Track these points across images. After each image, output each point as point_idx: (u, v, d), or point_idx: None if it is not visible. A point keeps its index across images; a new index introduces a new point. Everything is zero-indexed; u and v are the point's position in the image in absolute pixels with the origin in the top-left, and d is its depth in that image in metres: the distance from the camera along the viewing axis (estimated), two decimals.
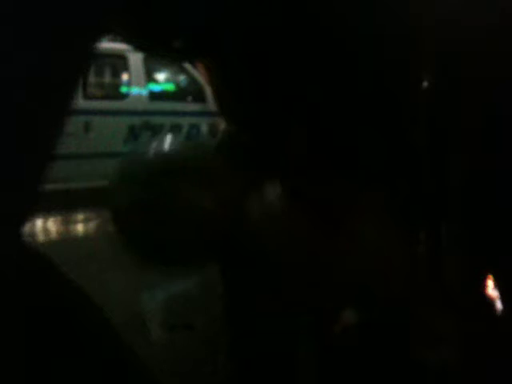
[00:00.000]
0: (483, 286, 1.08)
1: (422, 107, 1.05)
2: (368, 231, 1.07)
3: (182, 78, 6.64)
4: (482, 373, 1.04)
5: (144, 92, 6.07)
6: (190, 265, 1.42)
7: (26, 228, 0.64)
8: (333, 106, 1.03)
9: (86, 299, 0.71)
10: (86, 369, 0.66)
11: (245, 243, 1.13)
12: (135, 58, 5.95)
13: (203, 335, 2.23)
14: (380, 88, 1.02)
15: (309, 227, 1.09)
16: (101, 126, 5.52)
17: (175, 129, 5.88)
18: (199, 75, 6.48)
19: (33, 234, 4.17)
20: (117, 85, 6.43)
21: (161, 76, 6.81)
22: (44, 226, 4.65)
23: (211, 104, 6.14)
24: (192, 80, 6.41)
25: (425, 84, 1.05)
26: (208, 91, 6.34)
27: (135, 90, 6.03)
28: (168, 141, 1.40)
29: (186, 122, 6.03)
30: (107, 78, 6.62)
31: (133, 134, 5.70)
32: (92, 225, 4.81)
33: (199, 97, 6.27)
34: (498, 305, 1.07)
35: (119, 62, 6.11)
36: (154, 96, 6.16)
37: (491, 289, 1.08)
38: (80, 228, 4.80)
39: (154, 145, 1.37)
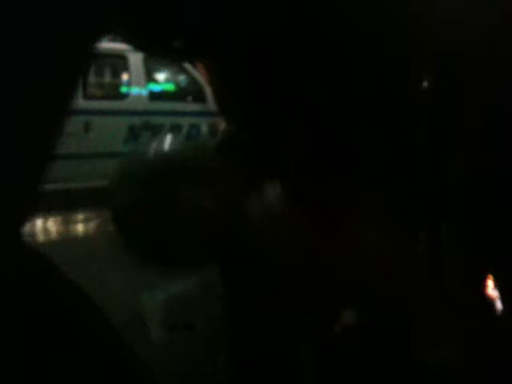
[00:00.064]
0: (483, 286, 1.08)
1: (422, 107, 1.05)
2: (368, 231, 1.07)
3: (181, 78, 6.64)
4: (481, 373, 1.04)
5: (144, 92, 6.07)
6: (190, 265, 1.42)
7: (26, 228, 0.64)
8: (333, 106, 1.03)
9: (85, 299, 0.71)
10: (86, 369, 0.66)
11: (245, 243, 1.13)
12: (135, 58, 5.95)
13: (203, 335, 2.23)
14: (380, 88, 1.02)
15: (309, 227, 1.09)
16: (101, 125, 5.53)
17: (175, 129, 5.88)
18: (199, 75, 6.48)
19: (33, 234, 4.17)
20: (117, 85, 6.43)
21: (161, 76, 6.81)
22: (44, 226, 4.65)
23: (211, 104, 6.14)
24: (192, 80, 6.41)
25: (425, 84, 1.05)
26: (208, 91, 6.34)
27: (135, 90, 6.03)
28: (168, 141, 1.40)
29: (186, 122, 6.03)
30: (107, 78, 6.62)
31: (133, 133, 5.70)
32: (92, 225, 4.81)
33: (199, 97, 6.27)
34: (498, 305, 1.07)
35: (119, 62, 6.11)
36: (154, 96, 6.16)
37: (491, 289, 1.08)
38: (80, 228, 4.80)
39: (154, 145, 1.37)
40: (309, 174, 1.08)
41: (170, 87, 6.78)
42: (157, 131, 5.68)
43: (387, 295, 1.08)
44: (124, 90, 6.18)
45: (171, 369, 1.93)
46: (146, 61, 6.03)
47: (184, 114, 6.03)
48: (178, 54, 1.31)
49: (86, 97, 5.57)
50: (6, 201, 0.60)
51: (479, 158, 1.05)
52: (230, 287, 1.24)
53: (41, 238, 4.25)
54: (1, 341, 0.61)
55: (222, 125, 1.35)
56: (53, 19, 0.61)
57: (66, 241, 4.25)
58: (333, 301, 1.15)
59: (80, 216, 4.99)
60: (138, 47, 1.21)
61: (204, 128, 6.02)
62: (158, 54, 1.68)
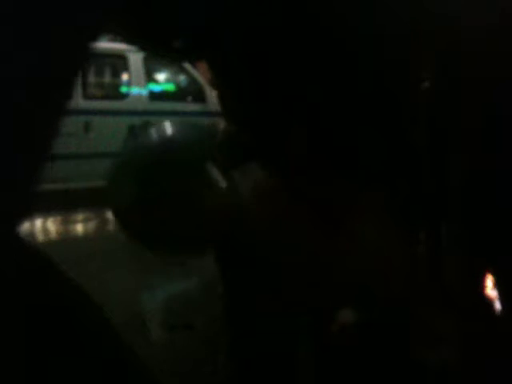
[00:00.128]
0: (483, 286, 1.08)
1: (422, 107, 1.05)
2: (368, 231, 1.07)
3: (182, 78, 6.64)
4: (481, 373, 1.04)
5: (144, 92, 6.07)
6: (191, 253, 1.41)
7: (26, 228, 0.64)
8: (333, 106, 1.03)
9: (85, 298, 0.71)
10: (86, 368, 0.66)
11: (245, 243, 1.13)
12: (135, 58, 5.96)
13: (203, 335, 2.23)
14: (380, 88, 1.02)
15: (309, 227, 1.09)
16: (101, 125, 5.53)
17: None
18: (199, 75, 6.48)
19: (32, 234, 4.17)
20: (117, 85, 6.44)
21: (161, 76, 6.81)
22: (44, 226, 4.65)
23: (211, 104, 6.15)
24: (192, 80, 6.41)
25: (425, 84, 1.05)
26: (208, 91, 6.35)
27: (135, 90, 6.04)
28: (168, 127, 1.39)
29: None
30: (107, 78, 6.63)
31: (133, 134, 5.69)
32: (91, 225, 4.81)
33: (199, 97, 6.28)
34: (498, 305, 1.07)
35: (119, 62, 6.11)
36: (154, 96, 6.16)
37: (491, 289, 1.08)
38: (80, 228, 4.81)
39: (154, 132, 1.36)
40: (309, 174, 1.08)
41: (170, 87, 6.78)
42: None
43: (387, 295, 1.08)
44: (124, 90, 6.18)
45: (171, 369, 1.93)
46: (146, 61, 6.04)
47: (184, 114, 6.04)
48: (178, 54, 1.31)
49: (86, 97, 5.57)
50: (2, 200, 0.60)
51: (479, 157, 1.05)
52: (229, 287, 1.24)
53: (40, 237, 4.25)
54: (0, 340, 0.61)
55: (222, 125, 1.35)
56: (53, 19, 0.61)
57: (66, 241, 4.25)
58: (333, 301, 1.15)
59: (80, 216, 4.99)
60: (138, 47, 1.21)
61: None
62: (158, 53, 1.68)
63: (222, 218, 1.16)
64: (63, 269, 0.70)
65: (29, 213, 0.65)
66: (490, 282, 1.08)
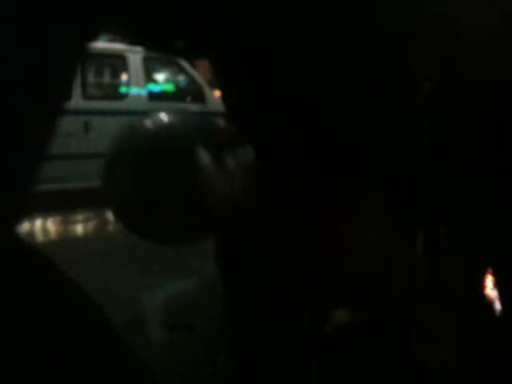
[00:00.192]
0: (483, 286, 1.08)
1: (422, 107, 1.05)
2: (368, 231, 1.07)
3: (181, 78, 6.64)
4: (481, 373, 1.04)
5: (143, 92, 6.07)
6: (186, 239, 1.42)
7: (26, 228, 0.64)
8: (333, 106, 1.03)
9: (85, 298, 0.71)
10: (86, 368, 0.66)
11: (245, 243, 1.13)
12: (135, 59, 5.96)
13: (203, 335, 2.23)
14: (380, 88, 1.02)
15: (309, 227, 1.09)
16: (100, 126, 5.53)
17: None
18: (198, 75, 6.48)
19: (32, 234, 4.17)
20: (116, 85, 6.44)
21: (160, 76, 6.81)
22: (43, 226, 4.65)
23: (210, 104, 6.15)
24: (191, 80, 6.41)
25: (425, 84, 1.05)
26: (207, 91, 6.36)
27: (134, 91, 6.04)
28: (164, 116, 1.39)
29: None
30: (107, 78, 6.63)
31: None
32: (91, 225, 4.81)
33: (198, 97, 6.28)
34: (498, 305, 1.07)
35: (119, 63, 6.11)
36: (154, 96, 6.16)
37: (491, 289, 1.08)
38: (79, 228, 4.81)
39: (150, 119, 1.36)
40: (309, 174, 1.07)
41: (170, 87, 6.79)
42: None
43: (387, 295, 1.08)
44: (123, 90, 6.18)
45: (171, 369, 1.93)
46: (145, 61, 6.04)
47: None
48: (180, 53, 1.31)
49: (86, 97, 5.57)
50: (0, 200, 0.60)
51: (479, 157, 1.05)
52: (230, 287, 1.24)
53: (40, 237, 4.25)
54: (0, 340, 0.61)
55: (221, 124, 1.35)
56: (53, 19, 0.61)
57: (66, 241, 4.25)
58: (333, 301, 1.15)
59: (79, 216, 4.99)
60: (140, 46, 1.21)
61: None
62: (160, 52, 1.68)
63: (217, 202, 1.15)
64: (63, 269, 0.70)
65: (26, 213, 0.65)
66: (490, 282, 1.08)
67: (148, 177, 1.21)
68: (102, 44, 5.46)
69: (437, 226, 1.09)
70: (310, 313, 1.17)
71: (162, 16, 0.95)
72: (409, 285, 1.07)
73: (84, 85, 5.62)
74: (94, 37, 0.69)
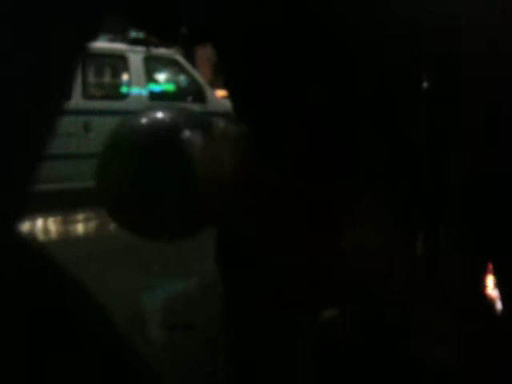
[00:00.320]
0: (483, 286, 1.08)
1: (422, 107, 1.05)
2: (368, 231, 1.07)
3: (182, 78, 6.64)
4: (481, 373, 1.04)
5: (144, 92, 6.07)
6: (183, 235, 1.41)
7: (26, 228, 0.64)
8: (333, 106, 1.03)
9: (86, 297, 0.71)
10: (86, 368, 0.66)
11: (245, 243, 1.13)
12: (135, 58, 5.96)
13: (203, 335, 2.23)
14: (380, 88, 1.02)
15: (309, 227, 1.09)
16: (101, 125, 5.52)
17: None
18: (199, 75, 6.48)
19: (33, 234, 4.17)
20: (117, 85, 6.44)
21: (161, 76, 6.81)
22: (44, 226, 4.65)
23: (211, 104, 6.15)
24: (192, 80, 6.41)
25: (425, 84, 1.05)
26: (208, 91, 6.36)
27: (135, 90, 6.03)
28: (158, 111, 1.39)
29: None
30: (107, 78, 6.63)
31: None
32: (92, 225, 4.81)
33: (199, 97, 6.27)
34: (498, 305, 1.07)
35: (119, 62, 6.11)
36: (154, 96, 6.16)
37: (491, 289, 1.08)
38: (80, 228, 4.81)
39: (144, 115, 1.36)
40: (309, 174, 1.08)
41: (170, 87, 6.78)
42: None
43: (387, 295, 1.08)
44: (124, 90, 6.18)
45: (171, 369, 1.93)
46: (146, 61, 6.04)
47: None
48: (183, 41, 1.30)
49: (86, 97, 5.57)
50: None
51: (479, 157, 1.05)
52: (230, 287, 1.24)
53: (41, 237, 4.25)
54: (0, 339, 0.61)
55: (221, 124, 1.35)
56: (53, 19, 0.61)
57: (66, 241, 4.25)
58: (333, 301, 1.15)
59: (80, 216, 4.99)
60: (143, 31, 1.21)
61: None
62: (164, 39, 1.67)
63: (208, 181, 1.14)
64: (64, 268, 0.70)
65: (26, 213, 0.65)
66: (490, 281, 1.08)
67: (144, 174, 1.21)
68: (102, 44, 5.46)
69: (437, 226, 1.09)
70: (315, 313, 1.17)
71: (162, 16, 0.95)
72: (409, 285, 1.07)
73: (84, 84, 5.62)
74: (93, 36, 0.69)
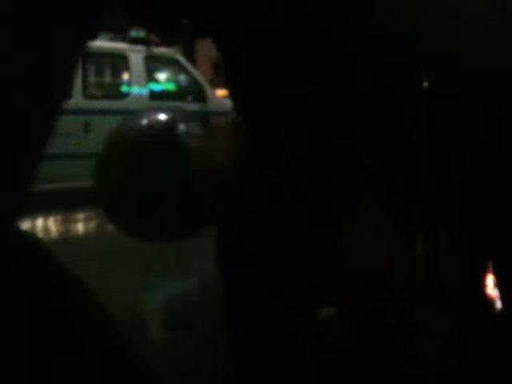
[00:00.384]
0: (483, 286, 1.08)
1: (422, 107, 1.05)
2: (368, 231, 1.07)
3: (182, 77, 6.64)
4: (481, 372, 1.04)
5: (144, 92, 6.07)
6: (183, 235, 1.41)
7: (27, 228, 0.64)
8: (333, 106, 1.03)
9: (86, 297, 0.71)
10: (86, 367, 0.66)
11: (245, 243, 1.13)
12: (136, 58, 5.96)
13: (203, 335, 2.23)
14: (380, 88, 1.02)
15: (309, 227, 1.09)
16: (101, 125, 5.52)
17: None
18: (199, 75, 6.48)
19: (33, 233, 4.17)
20: (117, 84, 6.44)
21: (161, 76, 6.82)
22: (44, 226, 4.65)
23: (211, 104, 6.16)
24: (192, 80, 6.41)
25: (425, 84, 1.05)
26: (208, 91, 6.36)
27: (136, 90, 6.04)
28: (158, 112, 1.39)
29: None
30: (107, 78, 6.63)
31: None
32: (92, 224, 4.81)
33: (199, 96, 6.28)
34: (498, 304, 1.07)
35: (120, 62, 6.12)
36: (155, 96, 6.16)
37: (491, 289, 1.08)
38: (80, 228, 4.81)
39: (144, 116, 1.36)
40: (309, 174, 1.07)
41: (171, 87, 6.79)
42: None
43: (387, 295, 1.08)
44: (124, 89, 6.18)
45: (171, 369, 1.93)
46: (146, 60, 6.04)
47: None
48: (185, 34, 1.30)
49: (86, 96, 5.57)
50: None
51: (479, 157, 1.05)
52: (230, 287, 1.24)
53: (41, 237, 4.25)
54: (1, 338, 0.61)
55: (221, 124, 1.35)
56: (53, 19, 0.61)
57: (67, 240, 4.25)
58: (333, 301, 1.15)
59: (80, 216, 4.99)
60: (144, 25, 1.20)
61: None
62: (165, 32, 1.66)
63: (204, 172, 1.14)
64: (65, 268, 0.70)
65: (25, 212, 0.65)
66: (490, 281, 1.08)
67: (144, 174, 1.21)
68: (102, 43, 5.46)
69: (437, 226, 1.09)
70: (314, 313, 1.17)
71: (162, 17, 0.95)
72: (409, 285, 1.07)
73: (85, 84, 5.62)
74: (93, 36, 0.69)
